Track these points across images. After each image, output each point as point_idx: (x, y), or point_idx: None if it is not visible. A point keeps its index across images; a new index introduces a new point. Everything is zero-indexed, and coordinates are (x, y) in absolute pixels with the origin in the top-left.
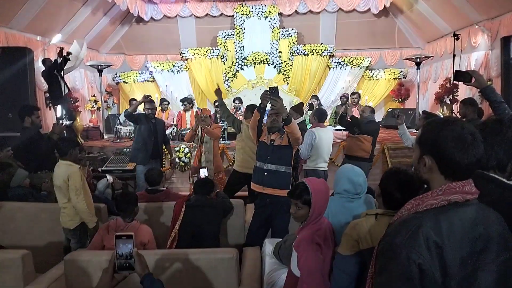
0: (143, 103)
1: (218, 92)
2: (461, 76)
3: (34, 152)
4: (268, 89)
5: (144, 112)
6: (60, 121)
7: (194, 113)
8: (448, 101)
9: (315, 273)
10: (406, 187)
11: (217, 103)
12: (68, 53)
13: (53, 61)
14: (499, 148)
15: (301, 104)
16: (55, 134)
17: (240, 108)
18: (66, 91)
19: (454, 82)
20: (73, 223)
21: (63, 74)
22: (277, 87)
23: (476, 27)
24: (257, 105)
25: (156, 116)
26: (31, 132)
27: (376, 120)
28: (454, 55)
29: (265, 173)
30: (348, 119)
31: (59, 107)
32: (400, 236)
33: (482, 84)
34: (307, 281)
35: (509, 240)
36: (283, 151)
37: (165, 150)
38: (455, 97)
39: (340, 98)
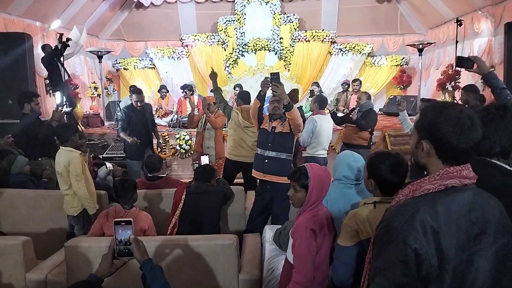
0: (131, 95)
1: (213, 75)
2: (463, 62)
3: (33, 139)
4: (269, 75)
5: (130, 104)
6: (60, 108)
7: (202, 100)
8: (450, 88)
9: (306, 259)
10: (398, 169)
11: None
12: (68, 39)
13: (53, 47)
14: (503, 134)
15: (296, 90)
16: (55, 120)
17: None
18: (66, 77)
19: (457, 68)
20: (76, 210)
21: (63, 61)
22: (278, 72)
23: (480, 13)
24: (249, 92)
25: (155, 103)
26: (31, 119)
27: (375, 107)
28: (456, 42)
29: (266, 160)
30: (342, 114)
31: (58, 94)
32: (397, 220)
33: (484, 70)
34: (298, 267)
35: (506, 225)
36: (284, 138)
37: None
38: (457, 83)
39: (342, 85)
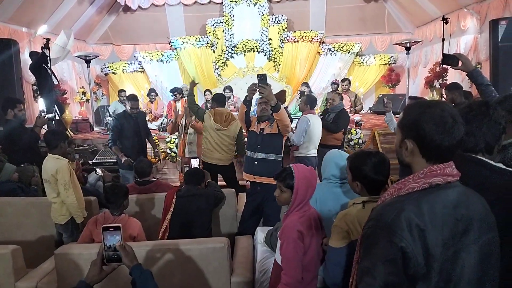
0: (126, 101)
1: (192, 83)
2: (449, 59)
3: (16, 144)
4: (257, 76)
5: (124, 111)
6: (43, 114)
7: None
8: (438, 86)
9: (293, 260)
10: (381, 167)
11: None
12: (46, 45)
13: (40, 53)
14: (487, 131)
15: (283, 91)
16: (38, 126)
17: (230, 98)
18: (56, 83)
19: (443, 66)
20: (64, 218)
21: (50, 66)
22: (265, 74)
23: (465, 10)
24: (224, 95)
25: (144, 107)
26: (14, 125)
27: (364, 106)
28: (443, 39)
29: (256, 162)
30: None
31: (41, 100)
32: (382, 220)
33: (469, 67)
34: (286, 269)
35: (490, 221)
36: (273, 139)
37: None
38: (445, 81)
39: (331, 84)
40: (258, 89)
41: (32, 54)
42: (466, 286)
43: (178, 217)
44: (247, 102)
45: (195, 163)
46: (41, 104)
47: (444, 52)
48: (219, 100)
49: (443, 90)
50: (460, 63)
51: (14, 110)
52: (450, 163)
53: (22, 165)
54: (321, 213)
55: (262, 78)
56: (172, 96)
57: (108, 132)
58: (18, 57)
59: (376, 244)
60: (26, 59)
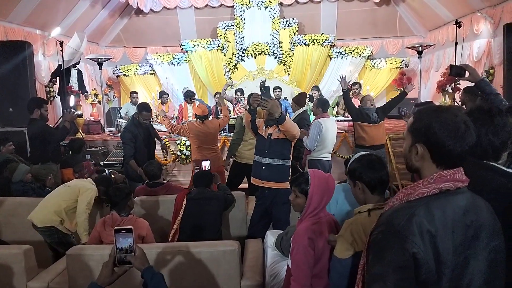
0: (140, 112)
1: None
2: (456, 70)
3: (49, 142)
4: (259, 87)
5: (133, 119)
6: (72, 110)
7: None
8: (450, 90)
9: (302, 267)
10: (380, 165)
11: (218, 96)
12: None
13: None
14: (494, 137)
15: (303, 94)
16: (67, 121)
17: (241, 100)
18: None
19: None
20: (43, 222)
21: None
22: (268, 86)
23: (479, 14)
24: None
25: (155, 109)
26: (41, 124)
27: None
28: (456, 43)
29: (263, 167)
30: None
31: (72, 97)
32: (393, 225)
33: (476, 77)
34: (295, 275)
35: (497, 227)
36: (281, 144)
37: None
38: (457, 85)
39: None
40: (260, 102)
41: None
42: None
43: (189, 220)
44: (251, 111)
45: (206, 165)
46: (71, 101)
47: (451, 64)
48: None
49: (461, 91)
50: (467, 74)
51: (40, 110)
52: (460, 169)
53: (48, 163)
54: (341, 215)
55: (265, 91)
56: (184, 99)
57: (119, 134)
58: (32, 59)
59: (387, 250)
60: (39, 61)
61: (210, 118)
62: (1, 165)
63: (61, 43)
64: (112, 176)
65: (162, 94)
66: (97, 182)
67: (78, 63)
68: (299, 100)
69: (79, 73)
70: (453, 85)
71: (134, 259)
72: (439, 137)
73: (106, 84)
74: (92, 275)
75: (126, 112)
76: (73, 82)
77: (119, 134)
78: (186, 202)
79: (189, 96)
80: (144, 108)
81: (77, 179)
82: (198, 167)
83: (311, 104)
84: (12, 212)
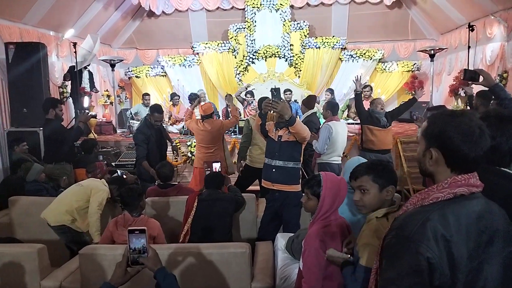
0: (152, 114)
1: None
2: (470, 74)
3: (64, 142)
4: (270, 90)
5: (145, 121)
6: (86, 111)
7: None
8: (462, 94)
9: (314, 270)
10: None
11: (227, 98)
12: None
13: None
14: (506, 142)
15: (312, 97)
16: (81, 122)
17: (252, 102)
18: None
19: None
20: (56, 221)
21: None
22: (278, 88)
23: (492, 17)
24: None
25: (166, 111)
26: (56, 123)
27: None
28: (469, 47)
29: (273, 170)
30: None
31: (86, 98)
32: (407, 229)
33: (490, 82)
34: (306, 277)
35: (511, 233)
36: (291, 146)
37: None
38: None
39: (353, 91)
40: (271, 105)
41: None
42: None
43: (200, 221)
44: (262, 115)
45: (217, 166)
46: (86, 101)
47: (465, 68)
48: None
49: (475, 95)
50: (481, 79)
51: (55, 110)
52: (474, 174)
53: (62, 163)
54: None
55: (275, 93)
56: (190, 102)
57: (131, 135)
58: (46, 60)
59: (401, 255)
60: (53, 62)
61: (217, 118)
62: (15, 164)
63: (75, 44)
64: (124, 176)
65: (173, 96)
66: (110, 182)
67: (89, 64)
68: (309, 102)
69: (90, 74)
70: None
71: (147, 260)
72: (454, 141)
73: (118, 86)
74: (104, 275)
75: (137, 112)
76: (85, 83)
77: (131, 135)
78: (197, 203)
79: (192, 99)
80: (156, 109)
81: (90, 179)
82: (209, 169)
83: (319, 106)
84: (25, 211)
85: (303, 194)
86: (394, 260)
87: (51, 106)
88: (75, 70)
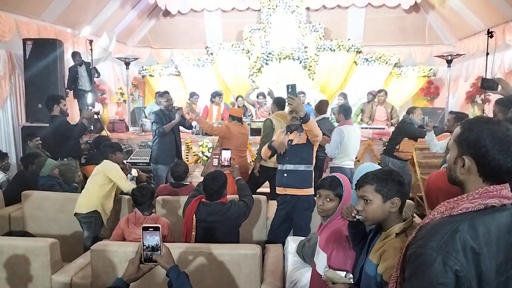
0: (160, 99)
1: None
2: (488, 83)
3: (69, 137)
4: (286, 86)
5: (160, 110)
6: (90, 108)
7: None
8: (479, 101)
9: (345, 268)
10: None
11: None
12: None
13: (82, 57)
14: None
15: (324, 102)
16: (85, 118)
17: (265, 104)
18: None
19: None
20: (86, 208)
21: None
22: (295, 84)
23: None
24: (283, 98)
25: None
26: (61, 119)
27: (400, 118)
28: (487, 53)
29: (285, 174)
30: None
31: (89, 95)
32: (434, 240)
33: (509, 91)
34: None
35: None
36: (302, 149)
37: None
38: (487, 96)
39: (367, 95)
40: (287, 100)
41: (75, 55)
42: None
43: (203, 241)
44: (271, 147)
45: (226, 155)
46: (89, 98)
47: (483, 77)
48: (280, 104)
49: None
50: (499, 88)
51: (59, 105)
52: (506, 185)
53: (66, 159)
54: None
55: (291, 89)
56: (211, 100)
57: (143, 133)
58: (62, 57)
59: (428, 266)
60: (69, 59)
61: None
62: (29, 158)
63: (91, 42)
64: (136, 174)
65: (193, 94)
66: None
67: (88, 63)
68: (320, 107)
69: (89, 72)
70: (483, 96)
71: (160, 258)
72: (489, 150)
73: (132, 84)
74: (115, 271)
75: (150, 112)
76: (83, 82)
77: (143, 133)
78: (196, 224)
79: (216, 95)
80: (162, 94)
81: (95, 166)
82: (217, 157)
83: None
84: (38, 205)
85: (317, 197)
86: (419, 270)
87: (55, 102)
88: (90, 67)
